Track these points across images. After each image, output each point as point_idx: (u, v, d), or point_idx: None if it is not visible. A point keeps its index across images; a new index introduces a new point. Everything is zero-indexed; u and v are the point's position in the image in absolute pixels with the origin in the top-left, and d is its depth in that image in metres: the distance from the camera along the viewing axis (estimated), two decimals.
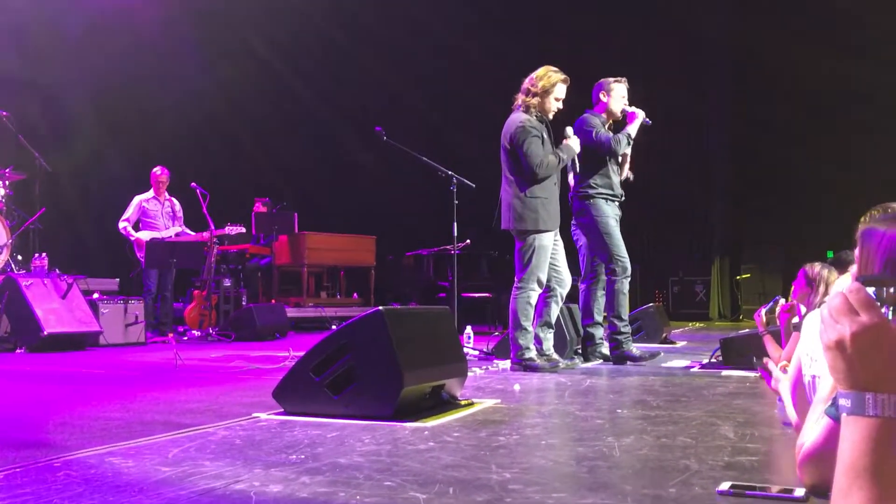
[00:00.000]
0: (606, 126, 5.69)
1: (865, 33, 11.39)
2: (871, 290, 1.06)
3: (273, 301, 9.80)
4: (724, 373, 4.85)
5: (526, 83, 5.20)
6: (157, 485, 2.05)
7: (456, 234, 6.17)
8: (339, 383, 3.12)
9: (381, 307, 3.20)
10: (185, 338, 8.39)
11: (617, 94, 5.71)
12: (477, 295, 10.02)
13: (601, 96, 5.75)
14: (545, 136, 5.14)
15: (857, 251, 1.59)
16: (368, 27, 12.72)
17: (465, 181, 6.13)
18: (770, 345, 4.62)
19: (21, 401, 3.91)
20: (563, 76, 5.19)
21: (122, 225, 8.68)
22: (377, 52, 12.93)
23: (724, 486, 1.97)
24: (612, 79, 5.77)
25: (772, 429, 2.91)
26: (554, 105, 5.17)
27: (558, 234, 5.28)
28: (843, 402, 1.05)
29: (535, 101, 5.12)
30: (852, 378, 1.04)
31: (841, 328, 1.04)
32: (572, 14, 12.38)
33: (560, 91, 5.18)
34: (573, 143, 5.23)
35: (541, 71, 5.19)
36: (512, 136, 5.09)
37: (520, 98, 5.21)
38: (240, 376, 4.83)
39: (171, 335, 7.94)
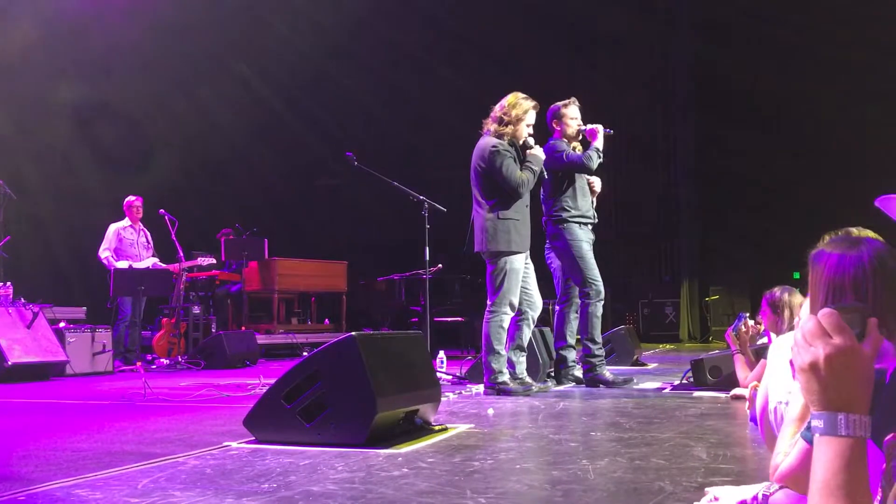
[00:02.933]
0: (572, 147, 5.74)
1: (830, 59, 11.67)
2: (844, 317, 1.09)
3: (243, 328, 9.69)
4: (696, 394, 4.88)
5: (497, 111, 5.22)
6: None
7: (428, 258, 6.17)
8: (311, 410, 3.09)
9: (353, 333, 3.18)
10: (154, 366, 8.27)
11: (568, 118, 5.73)
12: (449, 319, 10.00)
13: (554, 124, 5.79)
14: (517, 157, 5.17)
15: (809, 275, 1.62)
16: (339, 53, 12.76)
17: (437, 205, 6.15)
18: (739, 364, 4.67)
19: None
20: (533, 103, 5.23)
21: (104, 255, 8.60)
22: (348, 77, 12.96)
23: None
24: (559, 104, 5.78)
25: (744, 449, 2.93)
26: (525, 132, 5.21)
27: (529, 257, 5.30)
28: (815, 423, 1.07)
29: (509, 129, 5.15)
30: (825, 399, 1.06)
31: (815, 351, 1.07)
32: (541, 42, 12.53)
33: (531, 118, 5.22)
34: (538, 151, 5.25)
35: (511, 98, 5.22)
36: (486, 158, 5.11)
37: (491, 125, 5.22)
38: (210, 405, 4.76)
39: (139, 364, 7.81)
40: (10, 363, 6.47)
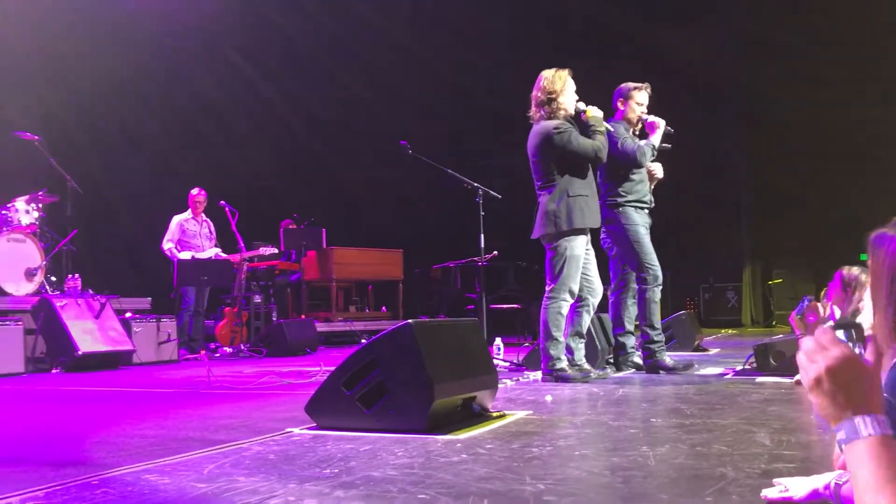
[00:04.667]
0: (631, 132, 5.63)
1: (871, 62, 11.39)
2: (840, 332, 1.20)
3: (303, 316, 9.84)
4: (759, 379, 4.79)
5: (540, 95, 5.12)
6: (193, 501, 2.07)
7: (483, 245, 6.16)
8: (370, 397, 3.12)
9: (409, 320, 3.20)
10: (217, 354, 8.46)
11: (635, 102, 5.61)
12: (505, 306, 9.99)
13: (619, 104, 5.67)
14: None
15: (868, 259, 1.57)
16: (389, 46, 12.80)
17: (491, 192, 6.13)
18: None
19: (58, 420, 3.96)
20: (566, 70, 5.17)
21: (167, 246, 8.85)
22: (403, 67, 13.00)
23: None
24: (631, 84, 5.65)
25: (809, 435, 2.87)
26: (573, 99, 5.16)
27: (590, 242, 5.24)
28: (839, 436, 1.11)
29: (559, 102, 5.09)
30: (839, 409, 1.11)
31: (816, 366, 1.13)
32: (580, 46, 12.32)
33: (571, 84, 5.18)
34: (594, 111, 5.18)
35: (547, 75, 5.13)
36: (552, 141, 5.02)
37: (541, 111, 5.13)
38: (272, 392, 4.85)
39: (203, 352, 8.01)
40: (80, 352, 6.70)
